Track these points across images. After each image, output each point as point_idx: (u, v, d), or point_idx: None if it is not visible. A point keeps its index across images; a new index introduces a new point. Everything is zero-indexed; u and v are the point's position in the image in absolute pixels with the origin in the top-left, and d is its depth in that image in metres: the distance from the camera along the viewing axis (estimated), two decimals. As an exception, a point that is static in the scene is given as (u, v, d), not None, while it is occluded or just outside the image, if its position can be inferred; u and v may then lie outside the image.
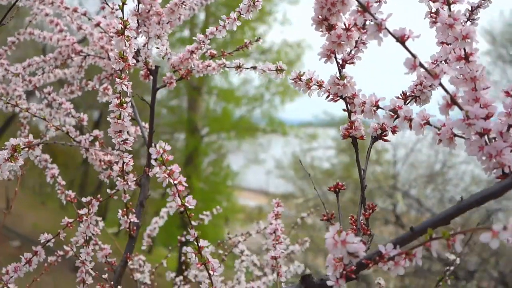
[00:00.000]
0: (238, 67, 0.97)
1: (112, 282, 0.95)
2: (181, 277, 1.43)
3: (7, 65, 1.16)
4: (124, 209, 0.98)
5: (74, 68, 1.22)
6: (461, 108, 0.53)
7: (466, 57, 0.55)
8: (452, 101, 0.53)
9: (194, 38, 0.95)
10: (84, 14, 1.12)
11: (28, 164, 1.19)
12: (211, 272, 0.66)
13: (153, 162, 0.62)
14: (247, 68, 0.96)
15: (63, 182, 1.14)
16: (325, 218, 0.74)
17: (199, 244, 0.66)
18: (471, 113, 0.51)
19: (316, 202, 6.91)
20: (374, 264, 0.54)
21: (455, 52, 0.56)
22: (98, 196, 0.95)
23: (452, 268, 1.14)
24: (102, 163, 1.01)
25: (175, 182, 0.63)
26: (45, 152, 1.19)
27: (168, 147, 0.62)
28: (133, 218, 0.99)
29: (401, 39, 0.52)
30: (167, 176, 0.63)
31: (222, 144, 12.54)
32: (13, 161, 0.69)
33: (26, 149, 0.68)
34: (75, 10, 1.12)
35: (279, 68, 0.82)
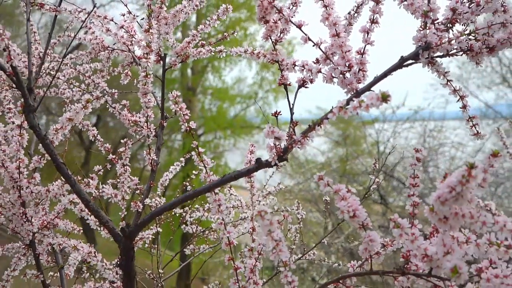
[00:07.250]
0: (221, 51, 1.46)
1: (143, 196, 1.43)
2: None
3: (58, 57, 1.64)
4: (148, 150, 1.46)
5: (104, 59, 1.70)
6: (332, 61, 1.01)
7: (337, 34, 1.03)
8: (326, 57, 1.01)
9: (189, 32, 1.44)
10: (112, 20, 1.59)
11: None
12: (206, 165, 1.13)
13: (170, 102, 1.09)
14: (226, 51, 1.45)
15: (102, 139, 1.62)
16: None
17: (199, 150, 1.13)
18: (336, 62, 1.00)
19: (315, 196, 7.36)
20: (291, 148, 1.02)
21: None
22: (131, 140, 1.43)
23: (375, 186, 1.62)
24: (130, 121, 1.48)
25: (184, 113, 1.11)
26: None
27: (178, 93, 1.10)
28: (153, 156, 1.46)
29: (299, 26, 1.00)
30: (178, 110, 1.10)
31: (218, 143, 12.98)
32: (85, 109, 1.16)
33: (95, 100, 1.15)
34: (105, 17, 1.59)
35: (246, 50, 1.30)
